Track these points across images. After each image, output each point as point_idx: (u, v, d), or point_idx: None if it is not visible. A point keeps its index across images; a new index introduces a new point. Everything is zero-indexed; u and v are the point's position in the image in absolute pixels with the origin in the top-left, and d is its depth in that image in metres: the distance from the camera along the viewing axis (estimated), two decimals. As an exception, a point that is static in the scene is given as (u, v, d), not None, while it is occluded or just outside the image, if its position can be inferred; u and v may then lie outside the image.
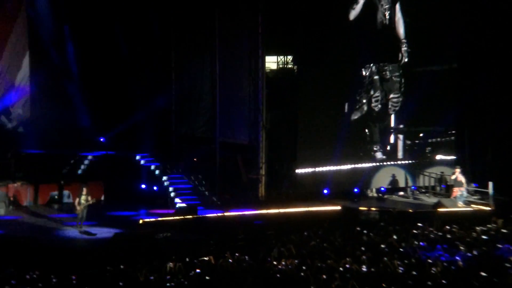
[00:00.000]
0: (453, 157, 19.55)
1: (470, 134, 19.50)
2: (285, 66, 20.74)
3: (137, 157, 17.94)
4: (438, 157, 19.59)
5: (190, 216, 14.94)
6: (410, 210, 15.94)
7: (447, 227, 11.83)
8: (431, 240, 10.84)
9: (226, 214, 15.56)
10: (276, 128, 18.93)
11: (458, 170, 17.07)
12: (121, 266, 9.34)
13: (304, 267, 8.85)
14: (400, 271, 8.60)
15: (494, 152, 19.22)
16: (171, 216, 15.13)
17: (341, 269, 8.69)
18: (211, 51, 18.10)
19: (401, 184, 19.38)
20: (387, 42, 18.68)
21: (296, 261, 9.31)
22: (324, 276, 8.26)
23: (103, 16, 17.90)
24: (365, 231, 11.65)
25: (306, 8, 18.14)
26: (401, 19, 18.86)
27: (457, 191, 16.97)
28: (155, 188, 17.37)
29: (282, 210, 15.78)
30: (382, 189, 19.02)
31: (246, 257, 9.69)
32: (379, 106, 18.82)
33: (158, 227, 13.70)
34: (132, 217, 15.43)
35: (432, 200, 17.92)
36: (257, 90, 18.15)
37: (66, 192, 17.21)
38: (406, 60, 18.89)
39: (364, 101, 18.63)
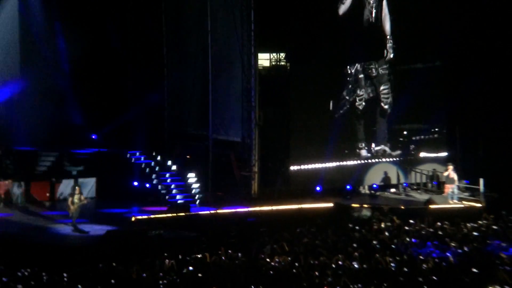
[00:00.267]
0: (437, 155, 19.68)
1: (461, 131, 19.63)
2: (278, 63, 20.74)
3: (129, 154, 17.87)
4: (422, 154, 19.71)
5: (183, 214, 14.92)
6: (402, 207, 16.01)
7: (438, 223, 11.91)
8: (422, 236, 10.91)
9: (219, 211, 15.55)
10: (269, 125, 18.92)
11: (450, 167, 17.18)
12: (113, 264, 9.32)
13: (296, 264, 8.88)
14: (392, 267, 8.65)
15: (485, 149, 19.37)
16: (163, 214, 15.10)
17: (333, 265, 8.73)
18: (203, 48, 18.05)
19: (393, 181, 19.47)
20: (373, 40, 18.74)
21: (288, 258, 9.34)
22: (317, 273, 8.29)
23: (95, 12, 17.80)
24: (357, 228, 11.70)
25: (298, 5, 18.16)
26: (388, 15, 18.92)
27: (448, 188, 17.09)
28: (147, 185, 17.32)
29: (275, 207, 15.80)
30: (374, 186, 19.11)
31: (239, 254, 9.70)
32: (363, 104, 18.90)
33: (151, 225, 13.67)
34: (124, 215, 15.38)
35: (424, 197, 18.03)
36: (249, 87, 18.13)
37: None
38: (391, 56, 18.96)
39: (349, 99, 18.70)
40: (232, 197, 17.17)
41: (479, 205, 16.17)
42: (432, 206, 15.76)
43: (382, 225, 12.05)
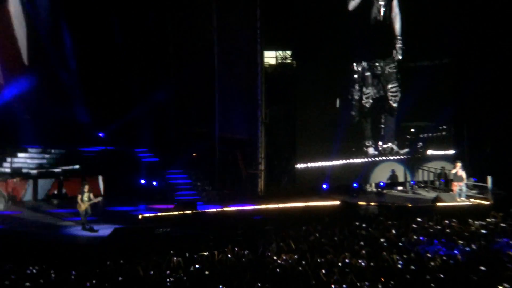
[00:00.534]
0: (445, 152, 19.58)
1: (469, 129, 19.52)
2: (284, 61, 20.71)
3: (136, 152, 17.93)
4: (430, 152, 19.62)
5: (190, 211, 14.96)
6: (409, 205, 15.95)
7: (446, 221, 11.85)
8: (430, 234, 10.87)
9: (225, 209, 15.58)
10: (275, 123, 18.92)
11: (459, 165, 17.10)
12: (121, 261, 9.36)
13: (303, 262, 8.87)
14: (399, 265, 8.62)
15: (493, 146, 19.26)
16: (170, 211, 15.14)
17: (340, 264, 8.71)
18: (209, 45, 18.05)
19: (400, 179, 19.41)
20: (380, 39, 18.66)
21: (295, 256, 9.33)
22: (323, 271, 8.27)
23: (101, 10, 17.84)
24: (364, 226, 11.67)
25: (304, 2, 18.11)
26: (398, 15, 18.83)
27: (456, 186, 17.00)
28: (154, 183, 17.38)
29: (281, 205, 15.80)
30: (381, 184, 19.05)
31: (246, 252, 9.71)
32: (370, 102, 18.84)
33: (158, 222, 13.71)
34: (131, 212, 15.44)
35: (431, 194, 17.96)
36: (256, 85, 18.12)
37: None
38: (400, 57, 18.90)
39: (355, 97, 18.65)
40: (238, 195, 17.19)
41: (487, 202, 16.08)
42: (440, 204, 15.69)
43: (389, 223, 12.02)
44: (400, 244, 10.07)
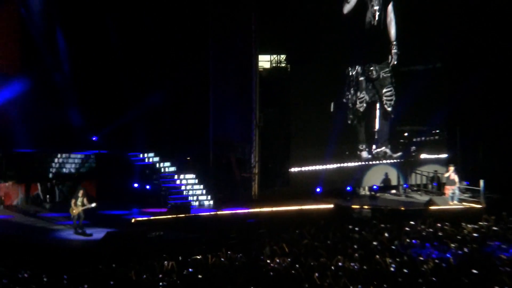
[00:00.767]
0: (438, 156, 19.69)
1: (462, 133, 19.65)
2: (278, 65, 20.76)
3: (129, 156, 17.89)
4: (423, 156, 19.72)
5: (183, 215, 14.92)
6: (402, 208, 16.01)
7: (439, 224, 11.90)
8: (422, 237, 10.90)
9: (219, 212, 15.56)
10: (270, 126, 18.94)
11: (451, 168, 17.19)
12: (113, 265, 9.32)
13: (296, 265, 8.87)
14: (392, 268, 8.64)
15: (485, 150, 19.38)
16: (163, 215, 15.10)
17: (333, 267, 8.72)
18: (204, 49, 18.06)
19: (394, 182, 19.48)
20: (374, 43, 18.77)
21: (288, 259, 9.33)
22: (317, 274, 8.28)
23: (96, 13, 17.82)
24: (357, 229, 11.69)
25: (298, 7, 18.19)
26: (393, 20, 18.95)
27: (449, 190, 17.09)
28: (147, 187, 17.33)
29: (275, 209, 15.80)
30: (375, 187, 19.11)
31: (239, 255, 9.70)
32: (364, 106, 18.92)
33: (151, 226, 13.67)
34: (124, 216, 15.38)
35: (424, 198, 18.03)
36: (250, 89, 18.15)
37: None
38: (395, 62, 19.02)
39: (349, 100, 18.74)
40: (232, 198, 17.18)
41: (479, 206, 16.17)
42: (432, 208, 15.75)
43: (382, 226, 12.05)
44: (393, 247, 10.09)
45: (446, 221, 12.22)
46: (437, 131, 20.13)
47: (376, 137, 19.42)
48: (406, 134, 19.83)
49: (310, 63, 18.30)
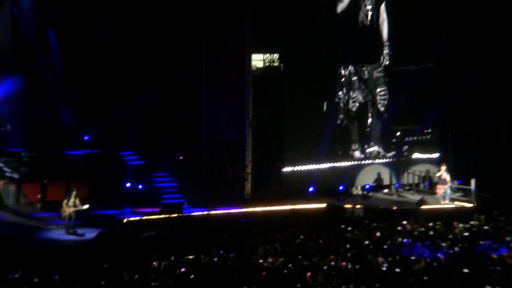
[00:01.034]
0: (430, 156, 19.79)
1: (453, 132, 19.76)
2: (272, 64, 20.75)
3: (122, 155, 17.81)
4: (415, 155, 19.82)
5: (176, 215, 14.88)
6: (394, 208, 16.08)
7: (430, 224, 11.97)
8: (414, 237, 10.96)
9: (211, 212, 15.53)
10: (263, 126, 18.93)
11: (443, 168, 17.28)
12: (105, 265, 9.28)
13: (289, 265, 8.88)
14: (384, 268, 8.68)
15: (477, 150, 19.51)
16: (156, 215, 15.05)
17: (325, 266, 8.75)
18: (197, 48, 18.02)
19: (386, 182, 19.56)
20: (366, 43, 18.82)
21: (281, 258, 9.35)
22: (309, 273, 8.30)
23: (88, 12, 17.71)
24: (349, 228, 11.73)
25: (292, 6, 18.19)
26: (386, 20, 19.01)
27: (440, 189, 17.19)
28: (140, 186, 17.27)
29: (268, 208, 15.81)
30: (367, 186, 19.18)
31: (232, 255, 9.69)
32: (357, 105, 18.99)
33: (143, 226, 13.62)
34: (116, 216, 15.32)
35: (416, 197, 18.12)
36: (243, 88, 18.12)
37: None
38: (387, 62, 19.09)
39: (342, 100, 18.79)
40: (225, 198, 17.16)
41: (470, 205, 16.28)
42: (424, 207, 15.84)
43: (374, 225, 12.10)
44: (385, 247, 10.13)
45: (438, 220, 12.29)
46: (429, 130, 20.22)
47: (368, 136, 19.49)
48: (398, 133, 19.92)
49: (303, 63, 18.31)
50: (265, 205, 16.01)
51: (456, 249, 9.76)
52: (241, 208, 15.95)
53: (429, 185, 19.41)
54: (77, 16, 17.72)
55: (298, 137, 18.35)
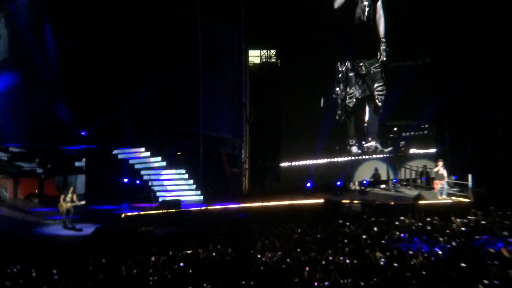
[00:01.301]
0: (427, 151, 19.85)
1: (450, 128, 19.81)
2: (269, 60, 20.74)
3: (119, 151, 17.78)
4: (412, 151, 19.87)
5: (173, 210, 14.88)
6: (392, 203, 16.12)
7: (428, 219, 12.00)
8: (411, 232, 10.99)
9: (209, 207, 15.54)
10: (260, 122, 18.94)
11: (440, 163, 17.33)
12: (103, 260, 9.28)
13: (287, 260, 8.90)
14: (382, 263, 8.71)
15: (474, 145, 19.57)
16: (154, 210, 15.05)
17: (323, 261, 8.77)
18: (193, 44, 17.98)
19: (383, 177, 19.60)
20: (363, 39, 18.82)
21: (279, 253, 9.36)
22: (307, 268, 8.32)
23: (84, 8, 17.64)
24: (347, 224, 11.76)
25: (288, 1, 18.16)
26: (382, 16, 19.01)
27: (438, 184, 17.24)
28: (137, 182, 17.25)
29: (265, 204, 15.82)
30: (365, 182, 19.22)
31: (230, 250, 9.70)
32: (354, 101, 19.01)
33: (141, 221, 13.62)
34: (114, 211, 15.31)
35: (413, 192, 18.17)
36: (240, 84, 18.11)
37: None
38: (384, 58, 19.10)
39: (339, 96, 18.80)
40: (222, 193, 17.16)
41: (467, 200, 16.33)
42: (421, 202, 15.88)
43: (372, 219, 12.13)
44: (383, 241, 10.16)
45: (435, 215, 12.32)
46: (426, 126, 20.27)
47: (366, 132, 19.52)
48: (395, 129, 19.96)
49: (300, 58, 18.31)
50: (263, 201, 16.03)
51: (454, 243, 9.79)
52: (239, 203, 15.96)
53: (426, 180, 19.47)
54: (73, 11, 17.66)
55: (295, 132, 18.36)
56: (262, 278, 8.23)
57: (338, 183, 18.64)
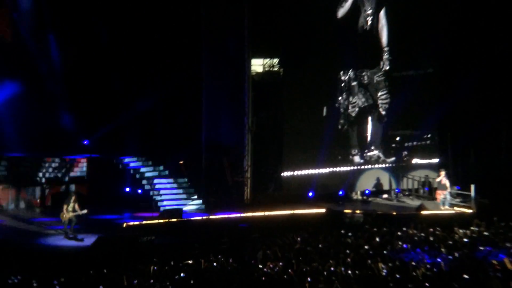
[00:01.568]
0: (429, 161, 19.80)
1: (453, 137, 19.78)
2: (271, 69, 20.79)
3: (121, 160, 17.80)
4: (414, 161, 19.83)
5: (175, 219, 14.86)
6: (394, 213, 16.06)
7: (430, 229, 11.95)
8: (414, 242, 10.94)
9: (211, 217, 15.51)
10: (262, 130, 18.95)
11: (443, 173, 17.28)
12: (105, 270, 9.25)
13: (289, 270, 8.86)
14: (384, 273, 8.66)
15: (476, 155, 19.52)
16: (155, 219, 15.03)
17: (325, 272, 8.72)
18: (197, 53, 18.06)
19: (385, 187, 19.55)
20: (366, 48, 18.88)
21: (281, 263, 9.32)
22: (309, 279, 8.28)
23: (87, 18, 17.76)
24: (349, 234, 11.71)
25: (291, 11, 18.25)
26: (385, 26, 19.08)
27: (440, 194, 17.18)
28: (139, 191, 17.25)
29: (267, 213, 15.79)
30: (367, 191, 19.17)
31: (231, 260, 9.68)
32: (356, 110, 19.02)
33: (142, 231, 13.60)
34: (116, 221, 15.29)
35: (416, 203, 18.11)
36: (243, 93, 18.16)
37: None
38: (387, 68, 19.14)
39: (342, 105, 18.82)
40: (224, 202, 17.14)
41: (470, 211, 16.26)
42: (423, 212, 15.82)
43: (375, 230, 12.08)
44: (385, 252, 10.11)
45: (437, 226, 12.27)
46: (429, 136, 20.24)
47: (368, 141, 19.50)
48: (398, 138, 19.94)
49: (303, 67, 18.35)
50: (265, 210, 15.99)
51: (456, 254, 9.74)
52: (241, 212, 15.93)
53: (429, 190, 19.40)
54: (77, 21, 17.77)
55: (297, 141, 18.36)
56: (264, 289, 8.19)
57: (340, 192, 18.60)
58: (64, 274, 9.13)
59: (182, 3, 18.22)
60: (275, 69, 20.53)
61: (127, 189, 17.26)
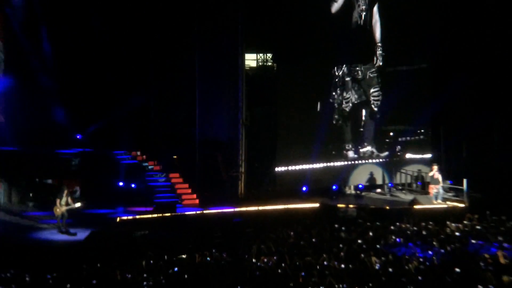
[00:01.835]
0: (422, 156, 19.90)
1: (445, 132, 19.88)
2: (265, 63, 20.76)
3: (115, 154, 17.74)
4: (407, 155, 19.93)
5: (169, 214, 14.85)
6: (387, 207, 16.15)
7: (423, 223, 12.03)
8: (407, 236, 11.01)
9: (205, 211, 15.52)
10: (256, 126, 18.95)
11: (435, 168, 17.38)
12: (98, 265, 9.24)
13: (283, 264, 8.89)
14: (377, 267, 8.71)
15: (469, 150, 19.64)
16: (149, 214, 15.01)
17: (318, 266, 8.76)
18: (190, 48, 18.00)
19: (379, 181, 19.64)
20: (360, 44, 18.88)
21: (274, 258, 9.35)
22: (303, 273, 8.31)
23: (80, 11, 17.64)
24: (343, 228, 11.76)
25: (285, 6, 18.21)
26: (378, 21, 19.09)
27: (433, 189, 17.28)
28: (133, 185, 17.21)
29: (261, 208, 15.82)
30: (360, 186, 19.25)
31: (225, 254, 9.69)
32: (350, 106, 19.05)
33: (136, 225, 13.58)
34: (109, 215, 15.26)
35: (409, 197, 18.21)
36: (236, 88, 18.12)
37: None
38: (380, 63, 19.17)
39: (336, 100, 18.84)
40: (218, 197, 17.14)
41: (462, 205, 16.38)
42: (416, 207, 15.91)
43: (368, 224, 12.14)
44: (378, 246, 10.17)
45: (430, 220, 12.35)
46: (422, 131, 20.32)
47: (362, 137, 19.56)
48: (391, 134, 20.01)
49: (296, 62, 18.33)
50: (259, 205, 16.01)
51: (449, 248, 9.81)
52: (235, 207, 15.94)
53: (422, 185, 19.51)
54: (70, 15, 17.64)
55: (291, 137, 18.37)
56: (258, 283, 8.22)
57: (334, 187, 18.66)
58: (57, 269, 9.10)
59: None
60: (269, 64, 20.50)
61: (121, 184, 17.20)
